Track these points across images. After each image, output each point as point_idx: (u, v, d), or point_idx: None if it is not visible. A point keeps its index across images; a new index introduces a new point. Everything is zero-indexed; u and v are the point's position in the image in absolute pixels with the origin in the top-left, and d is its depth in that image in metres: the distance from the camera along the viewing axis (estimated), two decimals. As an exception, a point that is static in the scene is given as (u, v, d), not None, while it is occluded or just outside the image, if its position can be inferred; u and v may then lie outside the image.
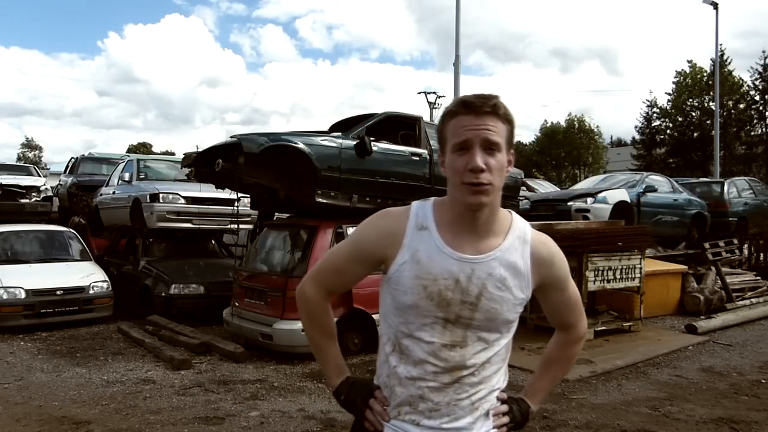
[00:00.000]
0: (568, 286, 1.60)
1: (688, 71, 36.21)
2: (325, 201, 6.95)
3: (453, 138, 1.42)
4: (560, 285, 1.58)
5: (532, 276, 1.51)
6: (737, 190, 13.15)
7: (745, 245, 12.48)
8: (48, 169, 27.09)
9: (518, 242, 1.50)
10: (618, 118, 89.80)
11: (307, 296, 1.61)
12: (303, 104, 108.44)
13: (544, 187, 15.05)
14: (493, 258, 1.46)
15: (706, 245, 10.64)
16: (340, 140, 7.22)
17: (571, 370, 1.74)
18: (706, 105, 34.12)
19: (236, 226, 9.03)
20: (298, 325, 6.24)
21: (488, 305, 1.46)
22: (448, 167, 1.45)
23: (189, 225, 9.71)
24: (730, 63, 33.92)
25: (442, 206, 1.51)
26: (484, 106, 1.40)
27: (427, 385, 1.48)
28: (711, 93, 29.65)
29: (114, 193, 11.16)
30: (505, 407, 1.57)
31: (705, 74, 34.51)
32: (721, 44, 26.06)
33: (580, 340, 1.69)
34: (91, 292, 8.48)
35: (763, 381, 5.94)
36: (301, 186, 7.05)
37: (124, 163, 11.73)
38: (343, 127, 8.12)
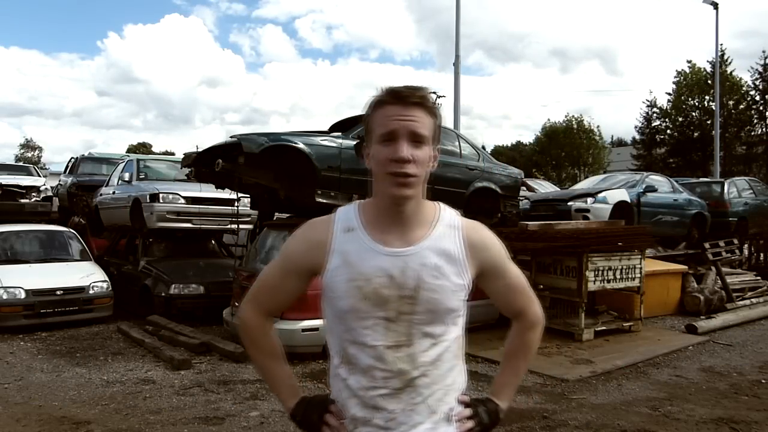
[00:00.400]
0: (508, 271, 1.55)
1: (687, 71, 36.20)
2: (325, 201, 6.95)
3: (379, 128, 1.39)
4: (499, 270, 1.54)
5: (468, 261, 1.46)
6: (737, 190, 13.15)
7: (745, 245, 12.50)
8: (48, 169, 27.10)
9: (449, 230, 1.47)
10: (618, 118, 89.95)
11: (246, 321, 1.57)
12: (303, 104, 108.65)
13: (544, 187, 15.05)
14: (425, 247, 1.43)
15: (706, 245, 10.65)
16: (340, 140, 7.22)
17: (532, 359, 1.66)
18: (706, 105, 34.11)
19: (236, 226, 9.03)
20: (299, 324, 6.27)
21: (427, 296, 1.41)
22: (373, 158, 1.42)
23: (189, 225, 9.71)
24: (730, 63, 33.94)
25: (366, 206, 1.50)
26: (412, 97, 1.38)
27: (379, 393, 1.42)
28: (711, 93, 29.64)
29: (114, 193, 11.16)
30: (468, 411, 1.51)
31: (705, 74, 34.49)
32: (721, 44, 26.08)
33: (534, 326, 1.61)
34: (91, 292, 8.48)
35: (763, 381, 5.94)
36: (301, 186, 7.06)
37: (124, 163, 11.73)
38: (343, 127, 8.13)
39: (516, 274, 1.58)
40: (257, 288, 1.58)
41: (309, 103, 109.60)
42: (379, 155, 1.39)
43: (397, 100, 1.38)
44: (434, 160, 1.44)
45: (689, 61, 36.60)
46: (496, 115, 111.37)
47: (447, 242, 1.46)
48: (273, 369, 1.59)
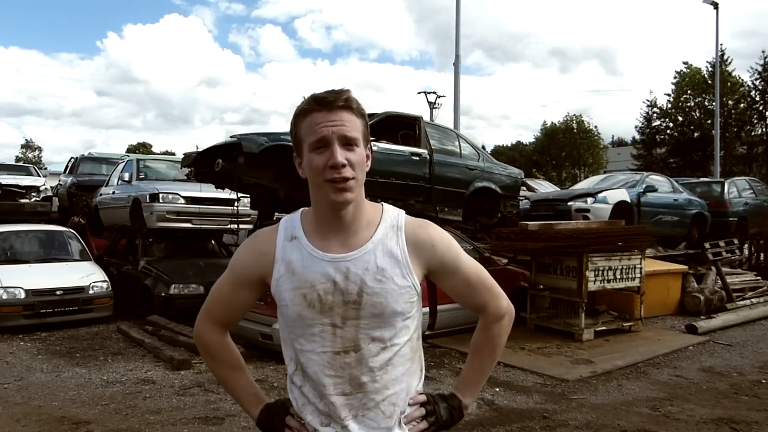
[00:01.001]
0: (460, 267, 1.52)
1: (686, 71, 36.20)
2: (325, 201, 6.94)
3: (309, 136, 1.39)
4: (451, 267, 1.51)
5: (412, 261, 1.45)
6: (737, 190, 13.15)
7: (746, 245, 12.49)
8: (47, 169, 27.07)
9: (391, 231, 1.46)
10: (617, 118, 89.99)
11: (202, 336, 1.59)
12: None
13: (544, 187, 15.07)
14: (366, 251, 1.42)
15: (707, 245, 10.65)
16: (340, 140, 7.21)
17: (499, 354, 1.62)
18: (706, 105, 34.11)
19: (236, 226, 9.03)
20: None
21: (371, 300, 1.40)
22: (307, 167, 1.41)
23: (189, 225, 9.71)
24: (730, 63, 33.95)
25: (308, 214, 1.50)
26: (337, 101, 1.38)
27: (332, 400, 1.43)
28: (711, 93, 29.63)
29: (114, 193, 11.16)
30: (420, 411, 1.50)
31: (702, 75, 34.50)
32: (721, 44, 26.06)
33: (500, 318, 1.57)
34: (90, 292, 8.48)
35: (763, 381, 5.94)
36: (300, 186, 7.02)
37: (123, 163, 11.73)
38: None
39: (471, 269, 1.54)
40: (210, 302, 1.59)
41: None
42: (313, 163, 1.38)
43: (323, 106, 1.38)
44: (368, 159, 1.44)
45: (685, 63, 36.65)
46: (495, 115, 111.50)
47: (390, 244, 1.45)
48: (234, 380, 1.60)
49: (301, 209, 1.53)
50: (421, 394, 1.53)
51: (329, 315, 1.42)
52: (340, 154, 1.36)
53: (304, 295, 1.42)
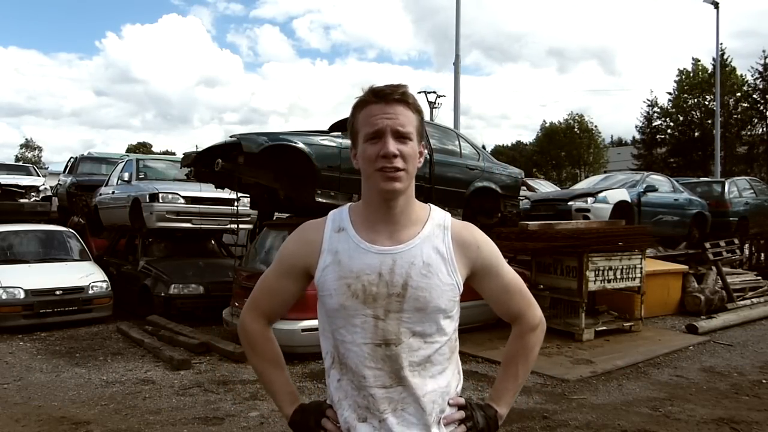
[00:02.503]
0: (502, 272, 1.54)
1: (690, 69, 36.18)
2: (325, 201, 6.94)
3: (364, 127, 1.42)
4: (493, 270, 1.53)
5: (457, 260, 1.47)
6: (738, 190, 13.14)
7: (746, 245, 12.49)
8: (47, 168, 27.08)
9: (438, 229, 1.48)
10: (616, 118, 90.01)
11: (246, 328, 1.61)
12: (301, 104, 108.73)
13: (545, 187, 15.06)
14: (414, 245, 1.44)
15: (707, 245, 10.65)
16: (340, 140, 7.22)
17: (533, 364, 1.62)
18: (707, 104, 34.10)
19: (236, 226, 9.03)
20: (298, 324, 6.27)
21: (416, 294, 1.42)
22: (361, 157, 1.44)
23: (188, 225, 9.70)
24: (730, 62, 33.92)
25: (357, 207, 1.52)
26: (394, 94, 1.41)
27: (371, 393, 1.43)
28: (713, 92, 29.62)
29: (113, 192, 11.16)
30: (460, 414, 1.49)
31: (707, 73, 34.48)
32: (721, 43, 26.05)
33: (533, 330, 1.58)
34: (90, 292, 8.48)
35: (764, 381, 5.94)
36: (301, 186, 7.05)
37: (123, 163, 11.73)
38: (343, 126, 8.12)
39: (511, 276, 1.57)
40: (256, 293, 1.62)
41: (307, 103, 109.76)
42: (366, 153, 1.42)
43: (379, 99, 1.41)
44: (421, 155, 1.47)
45: (695, 59, 36.56)
46: (494, 115, 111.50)
47: (436, 241, 1.47)
48: (272, 376, 1.61)
49: (349, 203, 1.56)
50: (460, 396, 1.52)
51: (372, 306, 1.43)
52: (392, 145, 1.39)
53: (348, 285, 1.43)
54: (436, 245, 1.46)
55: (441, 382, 1.47)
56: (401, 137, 1.40)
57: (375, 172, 1.40)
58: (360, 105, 1.45)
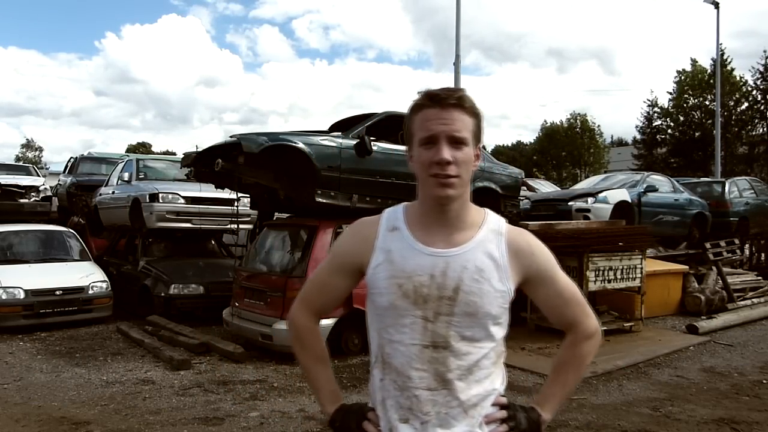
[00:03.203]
0: (556, 278, 1.52)
1: (689, 70, 36.18)
2: (325, 201, 6.94)
3: (419, 132, 1.42)
4: (546, 277, 1.51)
5: (511, 267, 1.46)
6: (738, 190, 13.14)
7: (746, 245, 12.48)
8: (47, 168, 27.09)
9: (493, 234, 1.47)
10: (616, 118, 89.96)
11: (295, 322, 1.62)
12: (301, 104, 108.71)
13: (545, 187, 15.05)
14: (468, 250, 1.44)
15: (707, 245, 10.65)
16: (340, 140, 7.22)
17: (584, 373, 1.60)
18: (707, 105, 34.08)
19: (236, 226, 9.03)
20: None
21: (467, 298, 1.41)
22: (416, 162, 1.44)
23: (188, 225, 9.71)
24: (730, 62, 33.92)
25: (412, 207, 1.52)
26: (450, 98, 1.40)
27: (415, 394, 1.43)
28: (712, 92, 29.61)
29: (113, 192, 11.16)
30: (502, 413, 1.48)
31: (706, 73, 34.47)
32: (721, 43, 26.03)
33: (588, 339, 1.56)
34: (90, 292, 8.48)
35: (764, 381, 5.94)
36: (300, 186, 7.05)
37: (123, 163, 11.73)
38: (342, 126, 8.13)
39: (566, 283, 1.54)
40: (307, 287, 1.63)
41: (307, 103, 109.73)
42: (421, 158, 1.42)
43: (435, 103, 1.40)
44: (477, 159, 1.46)
45: (693, 59, 36.58)
46: (494, 115, 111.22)
47: (490, 246, 1.46)
48: (317, 372, 1.61)
49: (404, 203, 1.55)
50: (503, 396, 1.52)
51: (422, 308, 1.42)
52: (447, 152, 1.38)
53: (399, 284, 1.43)
54: (490, 251, 1.45)
55: (486, 386, 1.47)
56: (456, 143, 1.39)
57: (429, 178, 1.40)
58: (416, 108, 1.44)
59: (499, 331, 1.48)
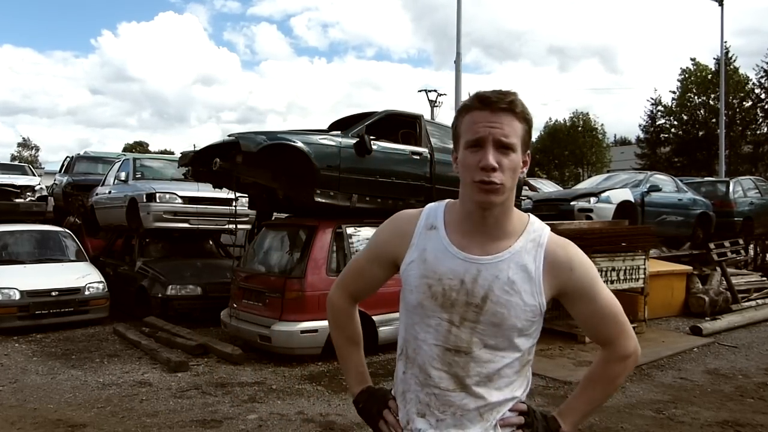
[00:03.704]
0: (597, 295, 1.47)
1: (692, 69, 36.18)
2: (324, 201, 6.94)
3: (466, 134, 1.40)
4: (586, 294, 1.47)
5: (545, 282, 1.43)
6: (743, 190, 13.14)
7: (751, 245, 12.48)
8: (43, 168, 27.08)
9: (531, 245, 1.45)
10: (618, 117, 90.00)
11: (332, 302, 1.67)
12: (300, 102, 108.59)
13: (547, 187, 15.05)
14: (502, 260, 1.42)
15: (711, 245, 10.65)
16: (339, 139, 7.22)
17: (612, 393, 1.57)
18: (711, 103, 34.07)
19: (234, 226, 9.03)
20: (297, 326, 6.27)
21: (494, 309, 1.41)
22: (461, 164, 1.43)
23: (186, 225, 9.70)
24: (735, 60, 33.92)
25: (453, 206, 1.51)
26: (500, 102, 1.37)
27: (433, 392, 1.46)
28: (716, 91, 29.61)
29: (110, 192, 11.16)
30: (519, 419, 1.48)
31: (709, 72, 34.47)
32: (725, 41, 26.04)
33: (623, 359, 1.52)
34: (86, 293, 8.48)
35: (769, 383, 5.94)
36: (299, 185, 7.05)
37: (120, 162, 11.73)
38: (342, 125, 8.12)
39: (606, 299, 1.49)
40: (346, 271, 1.69)
41: (306, 102, 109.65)
42: (465, 161, 1.40)
43: (485, 106, 1.38)
44: (525, 165, 1.44)
45: (693, 59, 36.62)
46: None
47: (527, 258, 1.43)
48: (348, 353, 1.68)
49: (448, 200, 1.55)
50: (522, 403, 1.52)
51: (449, 311, 1.43)
52: (493, 157, 1.36)
53: (429, 285, 1.45)
54: (526, 262, 1.43)
55: (506, 394, 1.47)
56: (503, 148, 1.37)
57: (472, 183, 1.39)
58: (465, 110, 1.43)
59: (525, 342, 1.47)
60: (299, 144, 6.80)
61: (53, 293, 8.24)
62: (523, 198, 10.19)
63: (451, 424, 1.45)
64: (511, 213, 1.46)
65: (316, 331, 6.19)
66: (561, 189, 15.73)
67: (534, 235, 1.47)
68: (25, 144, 54.43)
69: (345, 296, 1.66)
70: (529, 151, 1.45)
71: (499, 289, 1.41)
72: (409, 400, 1.50)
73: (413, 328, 1.49)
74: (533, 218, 1.51)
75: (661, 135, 37.18)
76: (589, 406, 1.57)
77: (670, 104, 36.95)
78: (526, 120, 1.41)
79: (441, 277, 1.43)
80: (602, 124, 45.81)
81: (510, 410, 1.48)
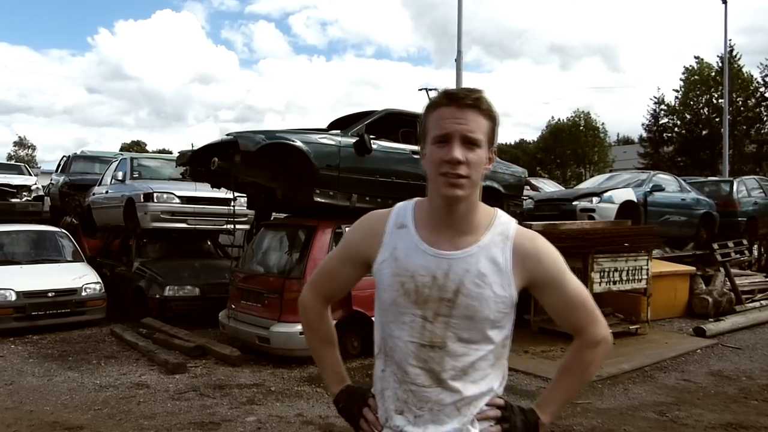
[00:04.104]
0: (565, 284, 1.53)
1: (695, 67, 36.17)
2: (323, 200, 6.94)
3: (433, 130, 1.44)
4: (555, 284, 1.52)
5: (514, 273, 1.48)
6: (747, 189, 13.13)
7: (755, 246, 12.48)
8: (39, 167, 27.09)
9: (499, 238, 1.49)
10: (621, 116, 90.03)
11: (304, 303, 1.70)
12: (298, 101, 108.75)
13: (549, 186, 15.05)
14: (471, 254, 1.47)
15: (715, 246, 10.64)
16: (339, 138, 7.21)
17: (588, 379, 1.61)
18: (715, 102, 34.07)
19: (233, 226, 9.02)
20: (296, 327, 6.26)
21: (466, 302, 1.45)
22: (427, 159, 1.47)
23: (184, 225, 9.69)
24: (739, 59, 33.91)
25: (422, 204, 1.56)
26: (467, 99, 1.42)
27: (410, 389, 1.49)
28: (720, 89, 29.60)
29: (107, 192, 11.15)
30: (495, 412, 1.51)
31: (713, 70, 34.46)
32: (729, 39, 26.04)
33: (595, 345, 1.55)
34: (83, 294, 8.48)
35: (773, 385, 5.94)
36: (298, 185, 7.04)
37: (117, 162, 11.72)
38: (341, 124, 8.11)
39: (575, 289, 1.54)
40: (318, 272, 1.71)
41: (305, 101, 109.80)
42: (432, 156, 1.44)
43: (452, 102, 1.43)
44: (490, 161, 1.49)
45: (697, 57, 36.62)
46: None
47: (495, 251, 1.48)
48: (323, 354, 1.71)
49: (417, 198, 1.59)
50: (500, 398, 1.55)
51: (422, 307, 1.47)
52: (459, 152, 1.40)
53: (402, 282, 1.49)
54: (494, 255, 1.48)
55: (482, 387, 1.50)
56: (469, 143, 1.41)
57: (438, 177, 1.43)
58: (432, 107, 1.47)
59: (498, 335, 1.50)
60: (298, 143, 6.80)
61: (50, 294, 8.24)
62: (524, 198, 10.19)
63: (429, 419, 1.48)
64: (478, 208, 1.50)
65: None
66: (563, 189, 15.73)
67: (501, 228, 1.51)
68: (21, 143, 54.58)
69: (317, 297, 1.68)
70: (494, 148, 1.50)
71: (470, 283, 1.45)
72: (387, 397, 1.53)
73: (388, 326, 1.53)
74: (500, 212, 1.56)
75: (664, 134, 37.20)
76: (565, 395, 1.61)
77: (673, 103, 36.97)
78: (492, 117, 1.45)
79: (413, 274, 1.47)
80: (603, 123, 45.83)
81: (487, 404, 1.51)
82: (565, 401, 1.62)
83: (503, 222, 1.52)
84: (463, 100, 1.42)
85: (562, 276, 1.53)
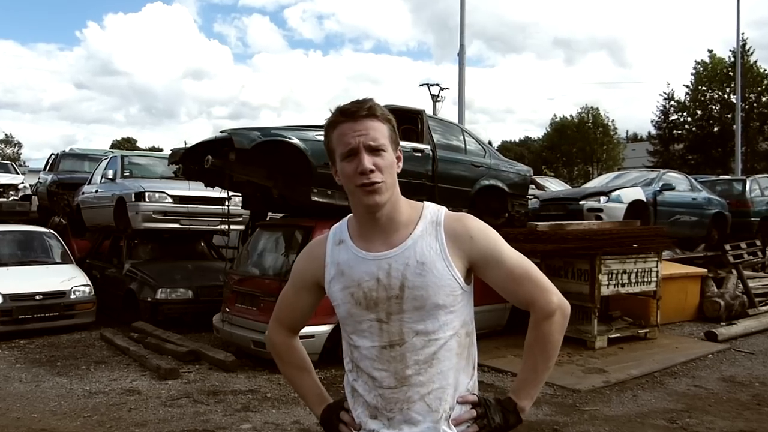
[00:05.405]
0: (503, 258, 1.59)
1: (707, 61, 36.17)
2: (321, 200, 6.94)
3: (339, 147, 1.56)
4: (491, 258, 1.58)
5: (451, 255, 1.56)
6: (760, 189, 13.14)
7: (768, 247, 12.46)
8: (26, 166, 27.13)
9: (431, 226, 1.59)
10: (628, 112, 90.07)
11: (272, 341, 1.84)
12: (294, 97, 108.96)
13: (555, 185, 15.06)
14: (407, 247, 1.56)
15: (727, 247, 10.63)
16: (337, 135, 7.21)
17: (553, 354, 1.61)
18: (727, 98, 34.07)
19: (227, 226, 9.03)
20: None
21: (413, 293, 1.54)
22: (341, 176, 1.58)
23: (177, 225, 9.71)
24: (752, 53, 33.92)
25: (353, 219, 1.67)
26: (360, 111, 1.54)
27: (380, 393, 1.58)
28: (732, 85, 29.61)
29: (97, 191, 11.16)
30: (470, 413, 1.58)
31: (725, 65, 34.45)
32: (742, 33, 26.06)
33: (549, 315, 1.57)
34: (72, 296, 8.48)
35: (787, 391, 5.94)
36: (295, 184, 7.05)
37: (107, 160, 11.73)
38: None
39: (515, 262, 1.60)
40: (277, 307, 1.83)
41: (301, 96, 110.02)
42: (345, 171, 1.56)
43: (348, 117, 1.55)
44: (399, 161, 1.62)
45: (710, 51, 36.59)
46: (498, 109, 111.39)
47: (429, 239, 1.58)
48: (300, 380, 1.83)
49: (348, 216, 1.71)
50: (472, 394, 1.62)
51: (375, 311, 1.58)
52: (368, 161, 1.52)
53: (352, 293, 1.60)
54: (429, 243, 1.57)
55: (449, 379, 1.57)
56: (375, 150, 1.53)
57: (356, 189, 1.55)
58: (331, 126, 1.59)
59: (454, 320, 1.58)
60: (295, 140, 6.81)
61: (37, 297, 8.24)
62: (529, 197, 10.20)
63: (402, 420, 1.56)
64: (401, 205, 1.61)
65: (312, 336, 6.19)
66: (569, 188, 15.74)
67: (431, 217, 1.61)
68: (7, 140, 54.49)
69: (283, 331, 1.81)
70: (400, 147, 1.62)
71: (412, 274, 1.54)
72: (361, 404, 1.63)
73: (350, 337, 1.63)
74: (428, 203, 1.66)
75: (674, 131, 37.14)
76: (535, 374, 1.63)
77: (683, 99, 36.94)
78: (388, 120, 1.58)
79: (359, 282, 1.58)
80: (613, 120, 45.78)
81: (459, 402, 1.58)
82: (538, 381, 1.65)
83: (432, 211, 1.62)
84: (357, 113, 1.54)
85: (498, 250, 1.60)
